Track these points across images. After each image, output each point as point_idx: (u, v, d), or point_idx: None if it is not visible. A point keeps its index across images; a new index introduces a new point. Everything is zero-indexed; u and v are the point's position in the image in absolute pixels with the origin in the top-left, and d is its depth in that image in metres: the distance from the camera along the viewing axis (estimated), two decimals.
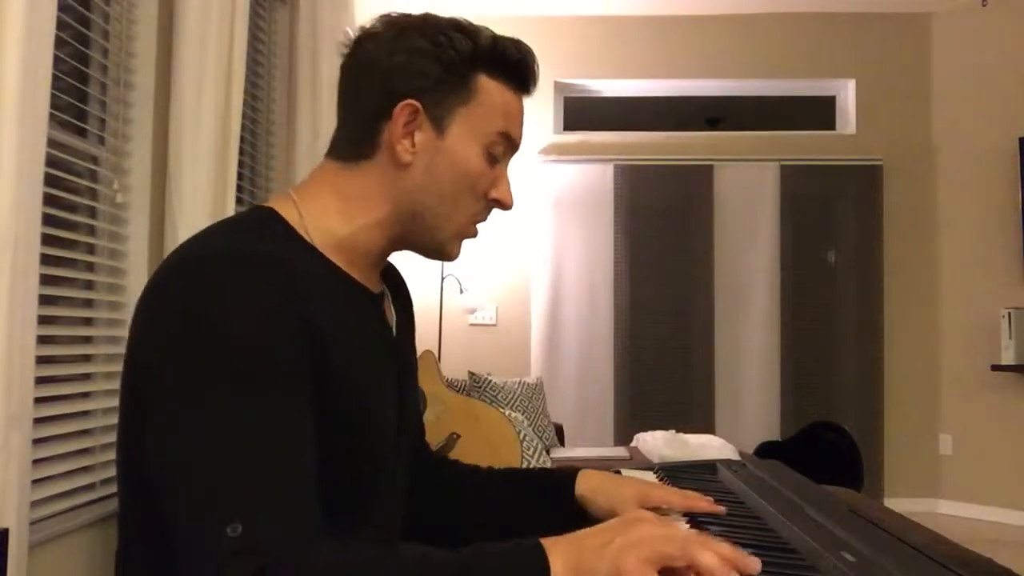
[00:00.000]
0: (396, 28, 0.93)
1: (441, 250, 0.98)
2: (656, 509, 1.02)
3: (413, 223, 0.95)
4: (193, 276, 0.81)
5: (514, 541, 0.75)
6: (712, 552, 0.71)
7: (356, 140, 0.95)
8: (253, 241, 0.86)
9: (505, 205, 0.99)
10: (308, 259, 0.89)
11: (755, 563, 0.72)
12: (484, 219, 1.00)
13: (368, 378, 0.91)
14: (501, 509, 1.12)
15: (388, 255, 1.00)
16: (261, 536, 0.70)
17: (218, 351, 0.76)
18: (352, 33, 0.97)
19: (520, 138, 0.99)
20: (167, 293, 0.83)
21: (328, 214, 0.93)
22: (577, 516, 1.08)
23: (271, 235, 0.89)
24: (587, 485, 1.09)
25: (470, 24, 0.95)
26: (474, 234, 1.00)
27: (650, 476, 1.35)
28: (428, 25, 0.93)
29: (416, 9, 0.98)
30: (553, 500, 1.10)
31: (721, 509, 1.01)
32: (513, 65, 0.95)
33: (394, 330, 1.03)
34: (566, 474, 1.12)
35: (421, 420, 1.21)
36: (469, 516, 1.13)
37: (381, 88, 0.92)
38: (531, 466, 2.39)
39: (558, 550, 0.72)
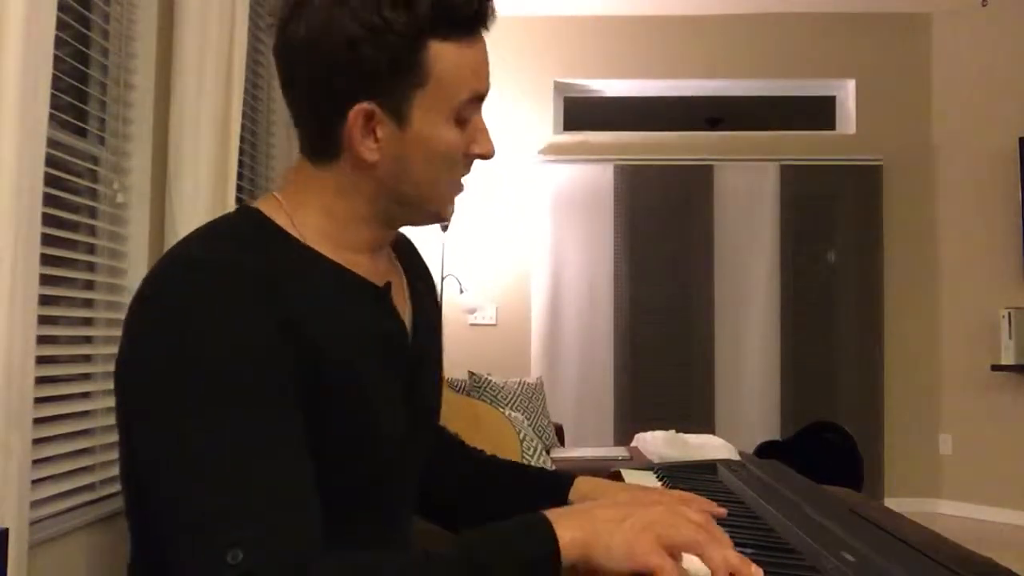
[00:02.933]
0: (324, 8, 0.83)
1: (435, 219, 0.96)
2: None
3: (399, 209, 0.92)
4: (173, 290, 0.80)
5: (517, 519, 0.74)
6: (722, 553, 0.70)
7: (318, 142, 0.90)
8: (238, 248, 0.83)
9: (486, 156, 0.93)
10: (299, 260, 0.86)
11: (758, 573, 0.71)
12: (468, 173, 0.95)
13: (371, 384, 0.88)
14: (495, 498, 1.12)
15: (386, 240, 0.97)
16: (262, 561, 0.69)
17: (199, 371, 0.75)
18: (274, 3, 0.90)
19: (488, 83, 0.90)
20: (149, 307, 0.81)
21: (315, 212, 0.90)
22: None
23: (260, 238, 0.86)
24: (581, 491, 1.07)
25: None
26: (462, 188, 0.95)
27: (650, 476, 1.35)
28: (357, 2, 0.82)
29: None
30: (548, 501, 1.09)
31: (721, 511, 0.99)
32: (463, 16, 0.85)
33: (408, 321, 0.98)
34: (564, 478, 1.10)
35: (438, 405, 1.17)
36: (463, 498, 1.14)
37: (327, 90, 0.85)
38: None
39: (567, 522, 0.72)
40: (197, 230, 0.90)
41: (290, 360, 0.79)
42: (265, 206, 0.91)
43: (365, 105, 0.84)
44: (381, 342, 0.91)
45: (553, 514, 0.73)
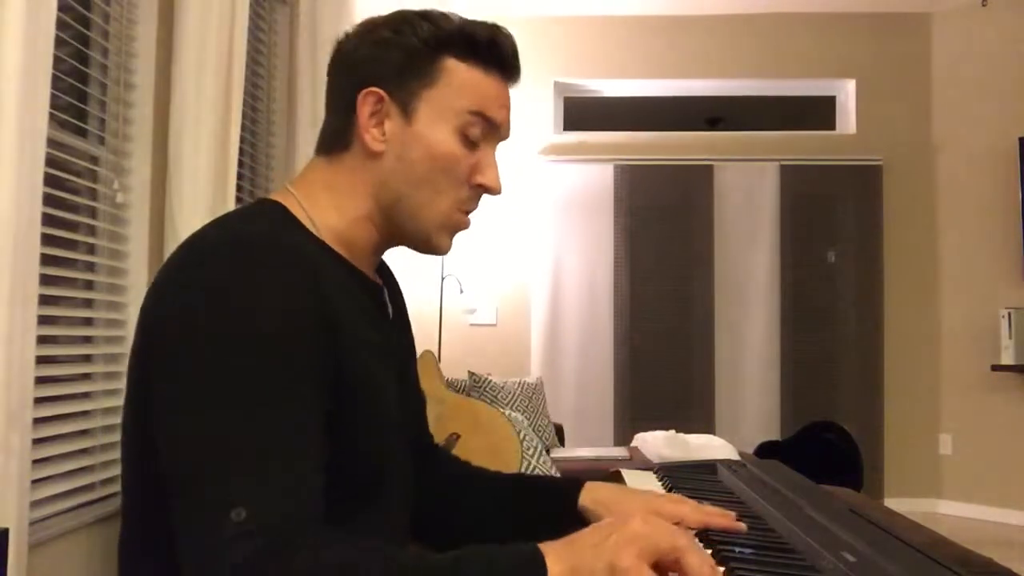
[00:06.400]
0: (367, 25, 0.96)
1: (428, 242, 0.97)
2: None
3: (396, 213, 0.95)
4: (214, 263, 0.82)
5: (511, 545, 0.74)
6: (700, 556, 0.71)
7: (334, 134, 0.96)
8: (269, 228, 0.87)
9: (492, 190, 0.96)
10: (318, 249, 0.90)
11: None
12: (473, 207, 0.98)
13: (376, 368, 0.91)
14: (503, 511, 1.11)
15: (384, 250, 1.01)
16: (264, 522, 0.71)
17: (237, 341, 0.77)
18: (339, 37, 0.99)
19: (503, 121, 0.96)
20: (187, 278, 0.83)
21: (326, 208, 0.94)
22: (578, 526, 1.06)
23: (283, 225, 0.90)
24: (591, 497, 1.06)
25: (439, 12, 0.95)
26: (464, 224, 0.98)
27: (650, 476, 1.36)
28: (395, 17, 0.95)
29: (413, 7, 0.98)
30: (556, 508, 1.08)
31: (741, 526, 0.95)
32: (484, 45, 0.93)
33: (392, 322, 1.04)
34: (572, 484, 1.09)
35: (424, 413, 1.19)
36: (470, 513, 1.12)
37: (349, 81, 0.94)
38: (531, 466, 2.39)
39: (554, 552, 0.72)
40: (217, 219, 0.92)
41: (326, 348, 0.82)
42: (283, 200, 0.95)
43: (374, 89, 0.92)
44: (380, 334, 0.95)
45: (544, 546, 0.73)
